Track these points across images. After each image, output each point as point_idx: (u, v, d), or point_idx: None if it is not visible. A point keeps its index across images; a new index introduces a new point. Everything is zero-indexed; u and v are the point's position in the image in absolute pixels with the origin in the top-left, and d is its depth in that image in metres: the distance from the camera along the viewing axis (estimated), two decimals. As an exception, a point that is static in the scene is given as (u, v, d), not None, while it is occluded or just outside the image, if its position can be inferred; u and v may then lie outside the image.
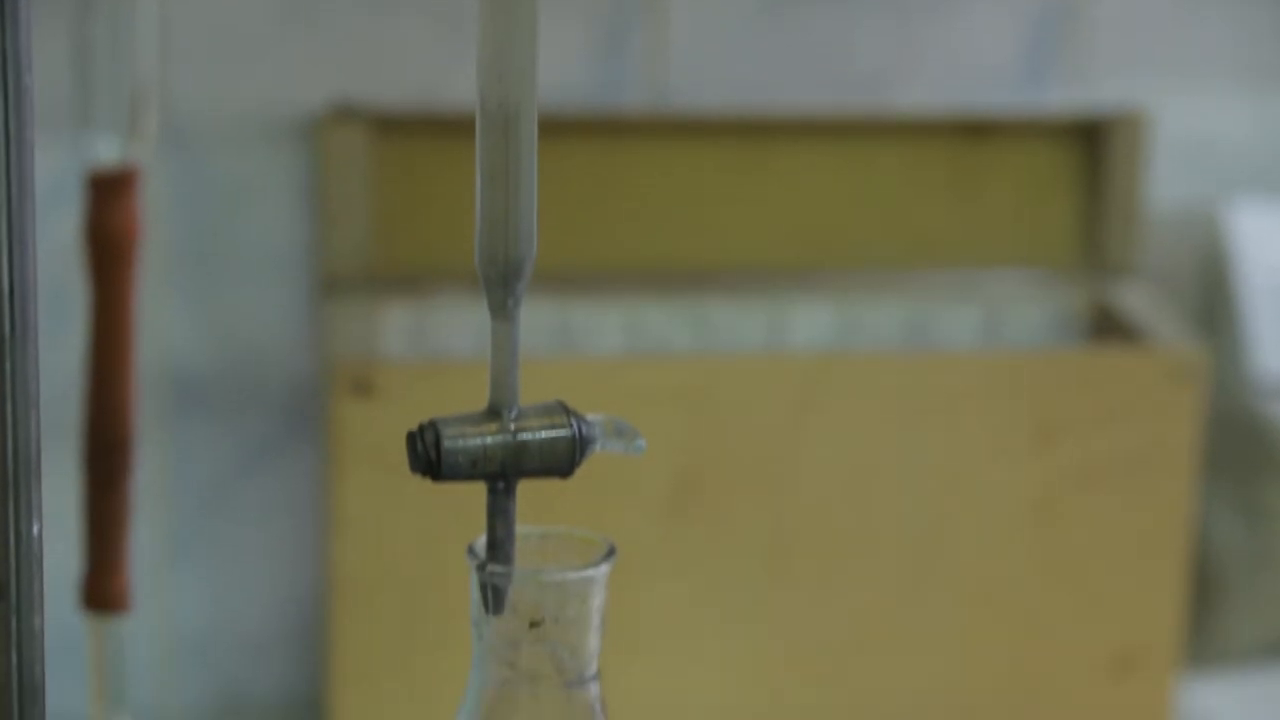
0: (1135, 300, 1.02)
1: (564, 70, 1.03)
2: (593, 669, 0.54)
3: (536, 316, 0.84)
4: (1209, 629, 1.08)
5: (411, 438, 0.51)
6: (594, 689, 0.54)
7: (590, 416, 0.52)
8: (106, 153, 0.75)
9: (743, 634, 0.92)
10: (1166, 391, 0.94)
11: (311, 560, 1.03)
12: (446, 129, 0.98)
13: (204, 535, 1.02)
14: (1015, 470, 0.93)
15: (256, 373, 1.01)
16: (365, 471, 0.87)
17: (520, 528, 0.53)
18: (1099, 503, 0.94)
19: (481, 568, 0.52)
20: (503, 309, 0.51)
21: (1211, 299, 1.12)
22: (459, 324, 0.96)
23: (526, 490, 0.53)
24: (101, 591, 0.77)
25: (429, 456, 0.51)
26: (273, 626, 1.04)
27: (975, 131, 1.05)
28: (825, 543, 0.92)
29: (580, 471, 0.54)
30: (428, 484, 0.53)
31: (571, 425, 0.52)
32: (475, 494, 0.53)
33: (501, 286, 0.51)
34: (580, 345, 0.96)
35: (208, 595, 1.03)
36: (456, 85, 0.99)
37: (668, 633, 0.91)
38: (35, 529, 0.47)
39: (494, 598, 0.52)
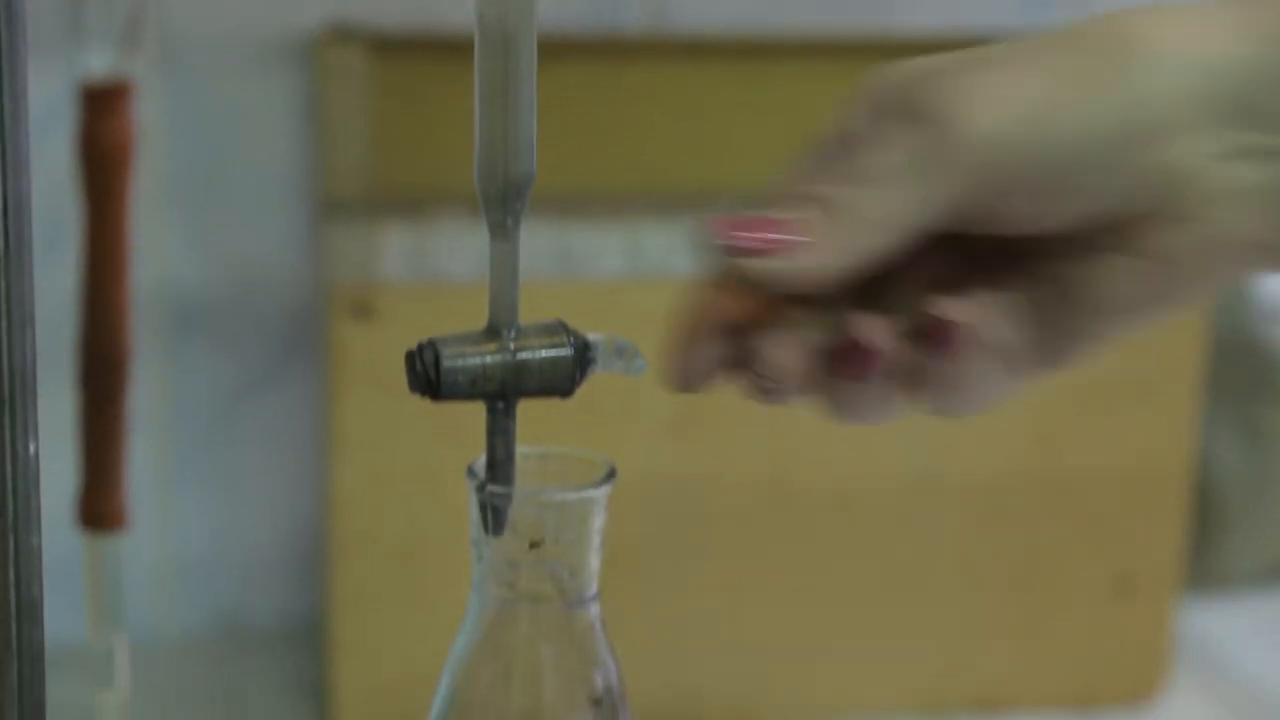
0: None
1: (563, -10, 1.02)
2: (593, 589, 0.53)
3: (536, 238, 0.83)
4: (1209, 552, 1.08)
5: (410, 357, 0.51)
6: (594, 609, 0.54)
7: (591, 336, 0.52)
8: (100, 66, 0.75)
9: (743, 554, 0.92)
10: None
11: (311, 483, 1.03)
12: (446, 49, 0.97)
13: (203, 459, 1.02)
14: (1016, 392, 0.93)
15: (255, 296, 1.01)
16: (365, 394, 0.87)
17: (520, 448, 0.52)
18: (1100, 426, 0.94)
19: (481, 488, 0.52)
20: (502, 228, 0.51)
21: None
22: (460, 246, 0.95)
23: (527, 413, 0.53)
24: (98, 508, 0.77)
25: (428, 376, 0.51)
26: (272, 549, 1.04)
27: (978, 53, 1.04)
28: (825, 464, 0.92)
29: (581, 393, 0.54)
30: (428, 406, 0.53)
31: (571, 344, 0.52)
32: (475, 417, 0.53)
33: (500, 205, 0.50)
34: (580, 268, 0.96)
35: (207, 518, 1.03)
36: (456, 5, 0.98)
37: (668, 554, 0.91)
38: (32, 448, 0.47)
39: (494, 518, 0.52)
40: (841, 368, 0.49)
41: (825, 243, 0.48)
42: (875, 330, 0.49)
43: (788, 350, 0.49)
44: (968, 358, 0.49)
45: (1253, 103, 0.48)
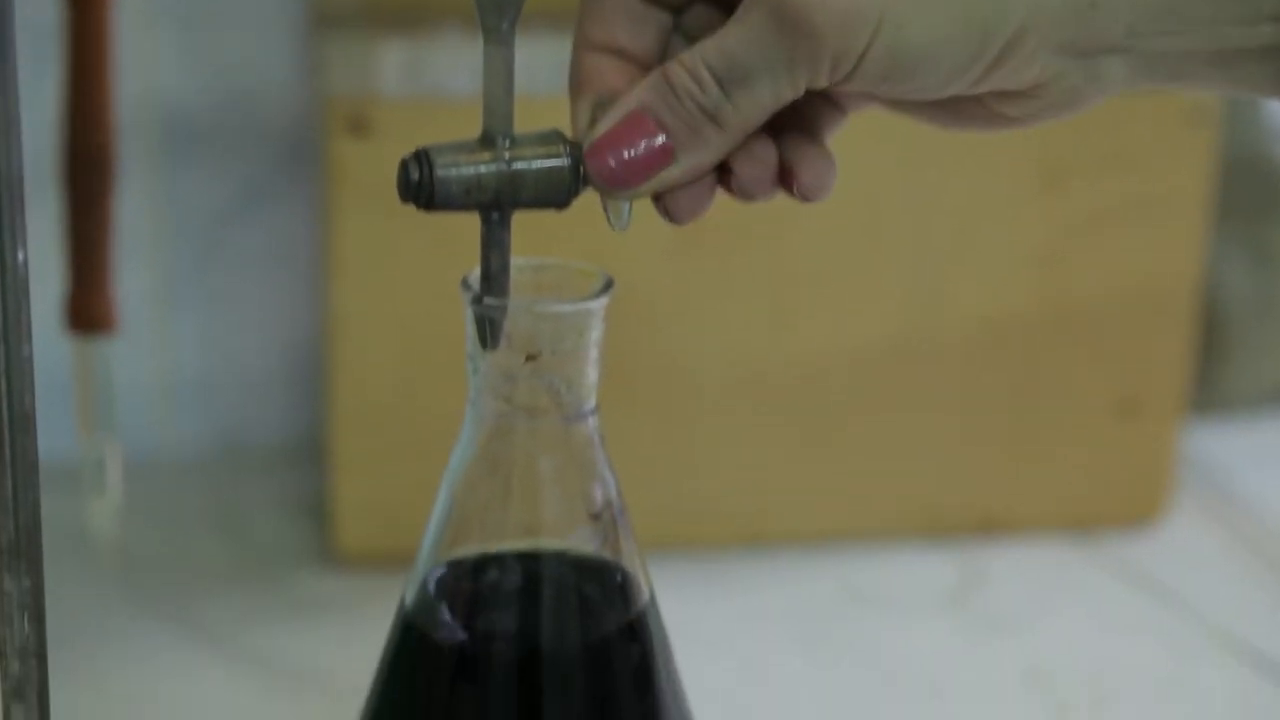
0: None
1: None
2: (591, 403, 0.53)
3: (536, 52, 0.82)
4: (1214, 375, 1.07)
5: (403, 165, 0.50)
6: (592, 423, 0.53)
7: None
8: None
9: (743, 376, 0.92)
10: (1180, 135, 0.92)
11: (309, 302, 1.02)
12: None
13: (198, 278, 1.01)
14: (1025, 214, 0.92)
15: (249, 112, 1.00)
16: (362, 212, 0.86)
17: (515, 259, 0.52)
18: (1107, 247, 0.93)
19: (476, 301, 0.51)
20: (496, 32, 0.50)
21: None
22: (459, 60, 0.94)
23: (525, 233, 0.52)
24: (86, 312, 0.76)
25: (420, 185, 0.50)
26: (271, 367, 1.04)
27: None
28: (830, 287, 0.92)
29: (579, 212, 0.53)
30: (427, 221, 0.52)
31: (568, 154, 0.51)
32: (476, 233, 0.52)
33: (495, 8, 0.49)
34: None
35: (204, 337, 1.02)
36: None
37: (668, 376, 0.91)
38: (21, 256, 0.47)
39: (489, 331, 0.51)
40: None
41: (701, 143, 0.51)
42: (756, 168, 0.53)
43: (754, 164, 0.52)
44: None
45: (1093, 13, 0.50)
